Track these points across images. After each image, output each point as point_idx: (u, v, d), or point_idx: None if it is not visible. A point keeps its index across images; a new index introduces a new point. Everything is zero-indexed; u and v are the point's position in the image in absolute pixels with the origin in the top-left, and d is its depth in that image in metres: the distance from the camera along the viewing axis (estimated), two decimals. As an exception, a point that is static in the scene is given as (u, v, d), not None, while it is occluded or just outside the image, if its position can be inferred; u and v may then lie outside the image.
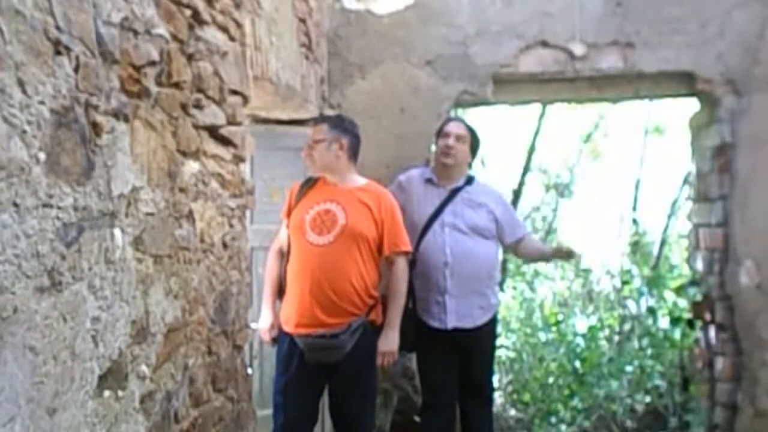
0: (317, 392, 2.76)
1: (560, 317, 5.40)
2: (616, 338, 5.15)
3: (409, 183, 3.15)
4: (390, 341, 2.73)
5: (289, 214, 2.80)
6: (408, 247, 2.80)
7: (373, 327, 2.72)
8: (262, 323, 2.80)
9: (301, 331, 2.63)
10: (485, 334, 3.09)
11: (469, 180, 3.14)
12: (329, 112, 3.53)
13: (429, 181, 3.12)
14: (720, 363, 3.51)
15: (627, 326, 5.19)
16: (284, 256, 2.81)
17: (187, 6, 1.90)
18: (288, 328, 2.68)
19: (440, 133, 3.12)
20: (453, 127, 3.10)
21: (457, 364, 3.08)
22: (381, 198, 2.76)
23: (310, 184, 2.82)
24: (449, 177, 3.09)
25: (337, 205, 2.68)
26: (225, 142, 2.20)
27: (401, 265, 2.77)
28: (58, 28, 1.26)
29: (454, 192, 3.08)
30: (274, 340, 2.78)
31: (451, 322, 2.98)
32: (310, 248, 2.64)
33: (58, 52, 1.26)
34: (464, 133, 3.09)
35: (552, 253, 3.21)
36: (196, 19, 1.96)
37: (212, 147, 2.11)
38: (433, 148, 3.27)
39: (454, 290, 2.98)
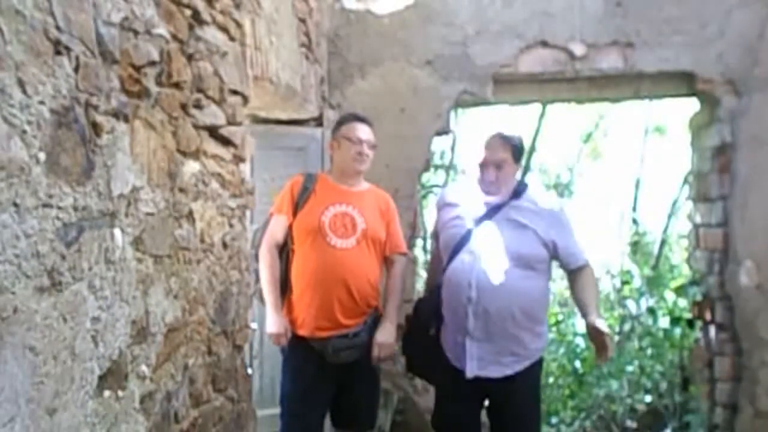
0: (332, 394, 2.71)
1: (560, 317, 5.40)
2: (616, 338, 5.15)
3: (454, 195, 2.69)
4: (388, 333, 2.68)
5: (293, 212, 2.67)
6: (405, 249, 2.85)
7: (378, 318, 2.75)
8: (273, 328, 2.58)
9: (322, 334, 2.59)
10: (521, 385, 2.43)
11: (518, 192, 2.49)
12: (329, 113, 3.53)
13: (471, 193, 2.56)
14: (720, 363, 3.51)
15: (627, 326, 5.19)
16: (280, 252, 2.69)
17: (187, 6, 1.90)
18: (303, 332, 2.62)
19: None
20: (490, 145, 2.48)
21: (482, 411, 2.55)
22: (388, 201, 2.83)
23: (313, 182, 2.73)
24: (494, 191, 2.47)
25: (354, 208, 2.68)
26: (225, 142, 2.20)
27: (400, 264, 2.81)
28: (58, 28, 1.26)
29: (497, 209, 2.47)
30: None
31: (472, 371, 2.40)
32: (333, 251, 2.60)
33: (58, 52, 1.26)
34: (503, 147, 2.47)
35: (588, 324, 2.34)
36: (196, 19, 1.96)
37: (212, 147, 2.11)
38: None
39: (477, 333, 2.39)
